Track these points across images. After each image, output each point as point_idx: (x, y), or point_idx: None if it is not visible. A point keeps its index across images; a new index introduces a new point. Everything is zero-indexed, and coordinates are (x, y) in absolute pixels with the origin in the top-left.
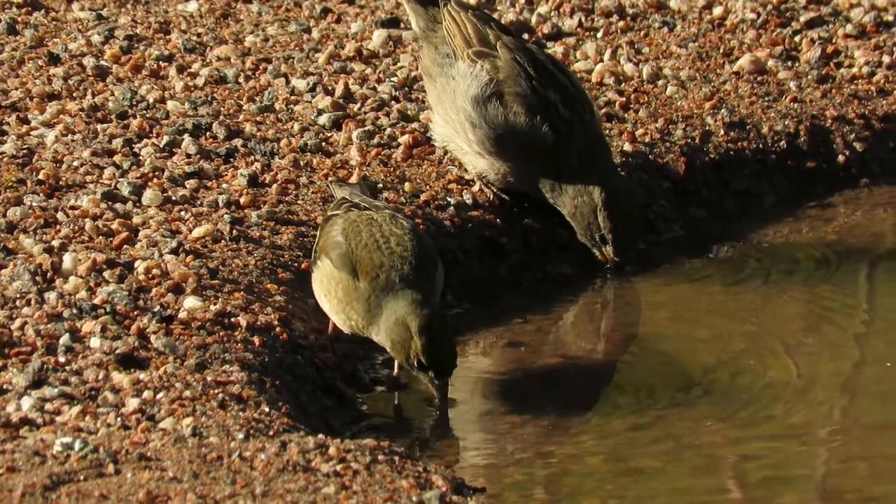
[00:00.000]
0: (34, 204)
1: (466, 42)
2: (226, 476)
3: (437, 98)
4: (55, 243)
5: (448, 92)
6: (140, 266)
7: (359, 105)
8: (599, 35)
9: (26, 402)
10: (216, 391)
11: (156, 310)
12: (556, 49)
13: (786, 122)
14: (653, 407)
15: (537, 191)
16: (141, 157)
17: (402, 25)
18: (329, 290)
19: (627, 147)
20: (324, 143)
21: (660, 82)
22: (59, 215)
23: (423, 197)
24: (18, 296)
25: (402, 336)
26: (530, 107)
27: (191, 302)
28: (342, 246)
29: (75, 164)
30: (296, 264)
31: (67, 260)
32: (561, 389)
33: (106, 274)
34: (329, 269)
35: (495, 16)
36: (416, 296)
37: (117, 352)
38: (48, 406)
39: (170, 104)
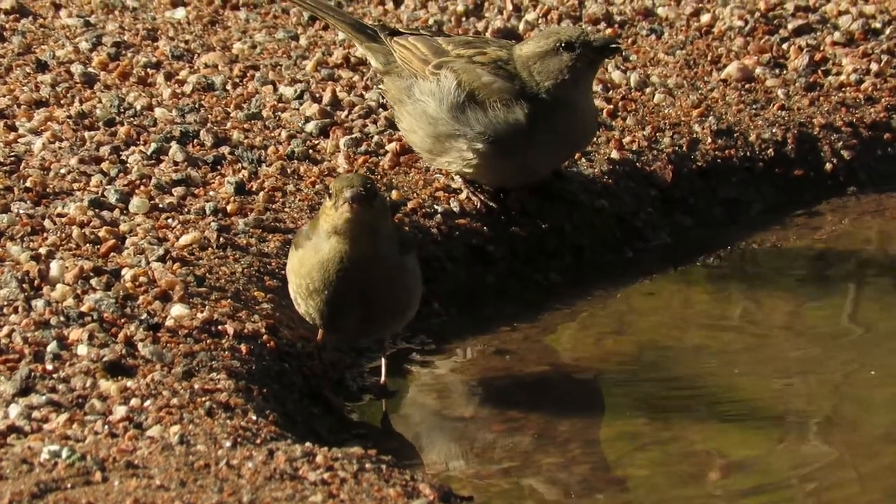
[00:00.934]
0: (21, 211)
1: (424, 61)
2: (213, 484)
3: (410, 126)
4: (42, 251)
5: (419, 114)
6: (127, 274)
7: (346, 112)
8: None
9: (14, 410)
10: (203, 399)
11: (143, 317)
12: None
13: (773, 130)
14: (640, 415)
15: (550, 166)
16: (128, 165)
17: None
18: (292, 279)
19: (615, 154)
20: (311, 151)
21: (647, 90)
22: (47, 223)
23: (410, 205)
24: (6, 303)
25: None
26: (503, 90)
27: (178, 310)
28: (306, 231)
29: (62, 171)
30: (283, 272)
31: (54, 267)
32: (548, 398)
33: (93, 281)
34: (294, 255)
35: (482, 24)
36: None
37: (104, 359)
38: (35, 414)
39: (157, 111)
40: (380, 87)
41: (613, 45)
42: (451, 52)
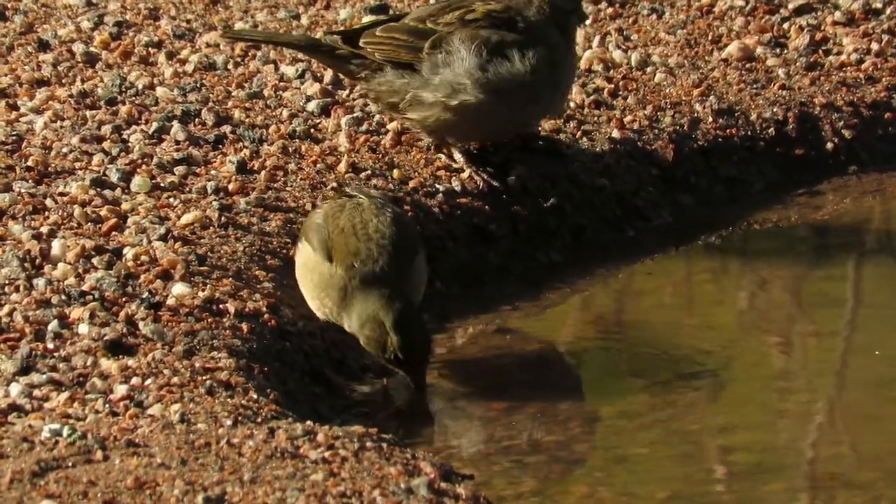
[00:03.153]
0: (23, 190)
1: (413, 48)
2: (214, 463)
3: (423, 114)
4: (44, 230)
5: (436, 86)
6: (129, 252)
7: (347, 91)
8: (588, 22)
9: (15, 389)
10: (204, 378)
11: (144, 296)
12: None
13: (774, 110)
14: (641, 394)
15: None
16: (130, 144)
17: (391, 11)
18: (305, 273)
19: (616, 134)
20: (312, 130)
21: (648, 69)
22: (48, 202)
23: (411, 184)
24: (7, 282)
25: (376, 332)
26: (516, 42)
27: (179, 288)
28: (322, 230)
29: (64, 150)
30: (284, 251)
31: (56, 246)
32: (549, 376)
33: (94, 260)
34: (307, 252)
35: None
36: (389, 291)
37: (106, 338)
38: (36, 392)
39: (159, 90)
40: (366, 96)
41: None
42: (437, 25)
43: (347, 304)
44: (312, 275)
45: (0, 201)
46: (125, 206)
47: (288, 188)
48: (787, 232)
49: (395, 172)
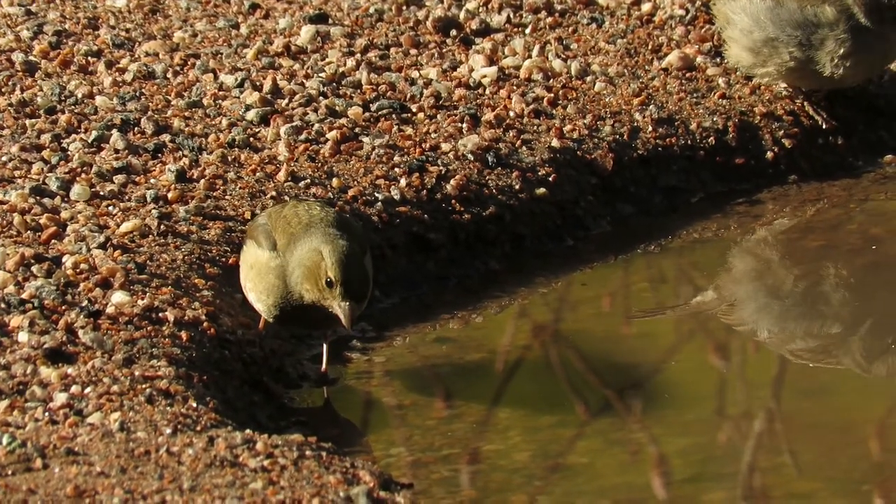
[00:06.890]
0: None
1: None
2: (153, 471)
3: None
4: None
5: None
6: (68, 261)
7: (287, 101)
8: (528, 31)
9: None
10: (144, 386)
11: (84, 304)
12: (484, 45)
13: (714, 119)
14: (580, 403)
15: None
16: (69, 153)
17: (330, 21)
18: (250, 274)
19: (555, 143)
20: (252, 139)
21: (588, 78)
22: None
23: (350, 192)
24: None
25: (313, 261)
26: None
27: (118, 297)
28: (267, 227)
29: (3, 158)
30: (223, 259)
31: None
32: (488, 385)
33: (34, 268)
34: (253, 251)
35: (422, 13)
36: (333, 230)
37: (45, 346)
38: None
39: (98, 99)
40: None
41: None
42: None
43: (290, 267)
44: (261, 274)
45: None
46: (65, 214)
47: (227, 197)
48: (726, 241)
49: (335, 181)
